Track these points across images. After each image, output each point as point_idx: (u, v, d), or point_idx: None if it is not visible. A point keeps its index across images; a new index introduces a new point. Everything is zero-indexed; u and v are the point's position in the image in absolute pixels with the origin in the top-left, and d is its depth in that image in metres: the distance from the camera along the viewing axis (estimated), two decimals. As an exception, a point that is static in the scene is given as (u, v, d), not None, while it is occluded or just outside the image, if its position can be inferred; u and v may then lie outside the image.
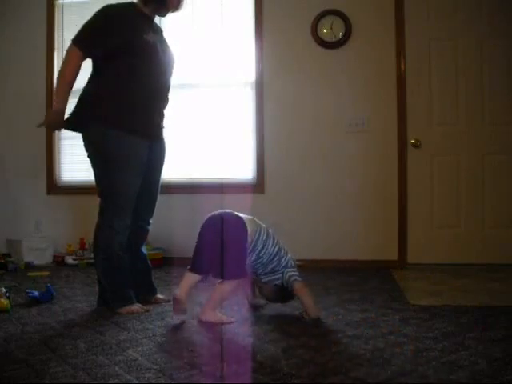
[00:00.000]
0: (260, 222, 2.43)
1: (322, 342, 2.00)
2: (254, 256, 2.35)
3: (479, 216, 3.93)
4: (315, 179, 4.08)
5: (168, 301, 2.68)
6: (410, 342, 1.96)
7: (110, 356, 1.85)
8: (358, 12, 4.02)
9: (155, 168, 2.71)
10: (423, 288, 3.11)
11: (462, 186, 3.96)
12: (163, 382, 1.60)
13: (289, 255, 2.44)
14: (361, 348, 1.91)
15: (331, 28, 4.04)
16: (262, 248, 2.36)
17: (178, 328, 2.22)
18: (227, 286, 2.30)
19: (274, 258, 2.39)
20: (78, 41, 2.50)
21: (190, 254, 2.41)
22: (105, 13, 2.53)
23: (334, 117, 4.06)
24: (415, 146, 3.96)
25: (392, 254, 3.96)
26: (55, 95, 2.57)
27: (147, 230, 2.76)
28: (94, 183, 2.62)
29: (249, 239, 2.30)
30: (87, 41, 2.50)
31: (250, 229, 2.32)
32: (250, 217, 2.41)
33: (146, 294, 2.72)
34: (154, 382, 1.60)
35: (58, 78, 2.54)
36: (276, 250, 2.39)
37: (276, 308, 2.57)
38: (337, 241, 4.03)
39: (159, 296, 2.78)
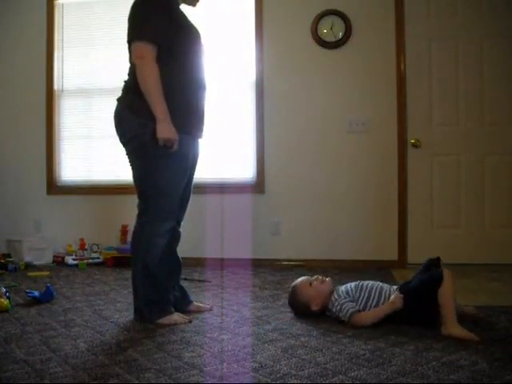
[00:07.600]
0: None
1: (322, 342, 2.00)
2: None
3: (479, 216, 3.93)
4: (315, 179, 4.08)
5: (210, 309, 2.54)
6: (409, 342, 1.96)
7: (110, 356, 1.85)
8: (358, 12, 4.02)
9: (193, 166, 2.48)
10: (423, 288, 3.10)
11: (462, 186, 3.96)
12: (163, 382, 1.61)
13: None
14: (361, 348, 1.91)
15: (331, 28, 4.04)
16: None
17: (177, 328, 2.22)
18: None
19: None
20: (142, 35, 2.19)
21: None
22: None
23: (335, 117, 4.05)
24: (415, 146, 3.96)
25: (392, 254, 3.96)
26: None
27: (180, 233, 2.49)
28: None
29: None
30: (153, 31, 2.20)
31: None
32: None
33: (183, 303, 2.48)
34: (153, 381, 1.60)
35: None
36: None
37: (276, 309, 2.57)
38: (337, 241, 4.02)
39: (196, 303, 2.55)
